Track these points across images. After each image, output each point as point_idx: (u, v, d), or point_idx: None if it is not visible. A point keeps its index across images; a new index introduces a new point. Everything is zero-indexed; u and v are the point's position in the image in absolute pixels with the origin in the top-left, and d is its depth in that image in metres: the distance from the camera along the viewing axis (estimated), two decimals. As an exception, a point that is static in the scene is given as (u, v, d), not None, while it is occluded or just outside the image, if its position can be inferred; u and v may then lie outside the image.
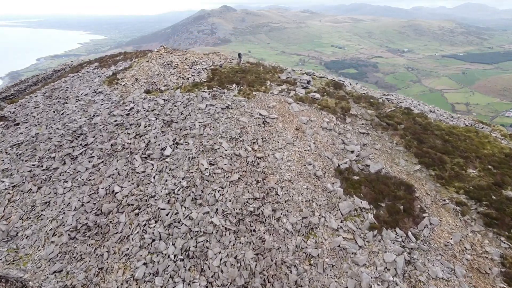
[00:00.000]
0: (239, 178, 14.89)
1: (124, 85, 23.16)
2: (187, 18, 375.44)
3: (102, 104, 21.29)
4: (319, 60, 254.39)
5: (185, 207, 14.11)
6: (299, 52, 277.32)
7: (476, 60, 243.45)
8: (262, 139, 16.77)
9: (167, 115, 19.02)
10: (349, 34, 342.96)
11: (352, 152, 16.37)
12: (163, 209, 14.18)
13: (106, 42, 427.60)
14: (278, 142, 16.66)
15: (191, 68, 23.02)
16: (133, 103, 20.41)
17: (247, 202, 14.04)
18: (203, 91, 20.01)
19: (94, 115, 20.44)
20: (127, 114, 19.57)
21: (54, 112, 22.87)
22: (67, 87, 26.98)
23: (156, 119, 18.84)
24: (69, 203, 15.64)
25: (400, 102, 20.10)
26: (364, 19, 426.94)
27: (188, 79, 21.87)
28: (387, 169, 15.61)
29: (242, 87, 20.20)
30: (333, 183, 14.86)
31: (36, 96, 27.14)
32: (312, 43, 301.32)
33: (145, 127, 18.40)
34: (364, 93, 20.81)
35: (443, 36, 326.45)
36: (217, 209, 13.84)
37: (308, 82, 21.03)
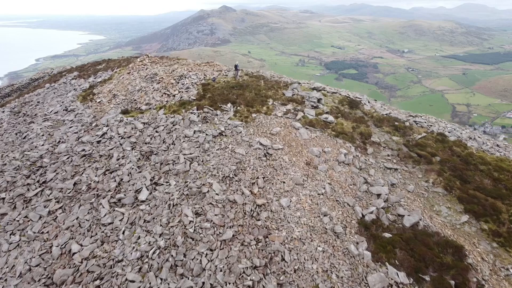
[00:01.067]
0: (233, 235, 11.33)
1: (99, 102, 19.56)
2: (186, 19, 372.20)
3: (70, 127, 17.69)
4: (319, 61, 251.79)
5: (161, 279, 10.54)
6: (299, 53, 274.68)
7: (476, 61, 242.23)
8: (263, 178, 13.21)
9: (146, 143, 15.43)
10: (349, 35, 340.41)
11: (379, 196, 12.82)
12: (132, 281, 10.59)
13: (105, 42, 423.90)
14: (284, 182, 13.09)
15: (178, 83, 19.42)
16: (107, 126, 16.81)
17: (244, 272, 10.47)
18: (191, 113, 16.43)
19: (59, 141, 16.84)
20: (98, 142, 15.97)
21: (16, 134, 19.28)
22: (38, 102, 23.39)
23: (132, 149, 15.24)
24: (13, 265, 12.06)
25: (431, 125, 16.54)
26: (364, 19, 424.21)
27: (174, 96, 18.28)
28: (425, 221, 12.06)
29: (238, 108, 16.64)
30: (357, 243, 11.30)
31: (3, 112, 23.55)
32: (312, 44, 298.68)
33: (118, 159, 14.80)
34: (386, 114, 17.24)
35: (443, 37, 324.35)
36: (203, 283, 10.27)
37: (319, 100, 17.45)
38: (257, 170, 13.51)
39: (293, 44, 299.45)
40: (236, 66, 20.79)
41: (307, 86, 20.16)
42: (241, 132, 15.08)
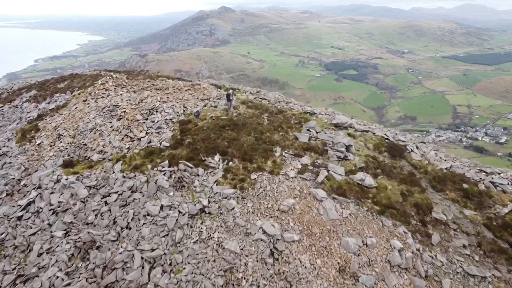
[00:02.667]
0: None
1: (39, 144, 14.11)
2: (185, 19, 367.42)
3: (-10, 186, 12.22)
4: (319, 61, 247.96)
5: None
6: (298, 53, 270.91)
7: (476, 61, 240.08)
8: (270, 302, 7.83)
9: (87, 224, 10.01)
10: (349, 35, 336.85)
11: None
12: None
13: (104, 43, 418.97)
14: (305, 311, 7.71)
15: (146, 119, 13.92)
16: (38, 189, 11.38)
17: None
18: (160, 171, 11.02)
19: (-33, 212, 11.37)
20: (19, 218, 10.54)
21: None
22: (-27, 135, 17.91)
23: (65, 234, 9.82)
24: None
25: (517, 188, 11.16)
26: (364, 19, 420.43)
27: (139, 140, 12.83)
28: None
29: (231, 163, 11.23)
30: None
31: None
32: (311, 44, 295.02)
33: (40, 255, 9.39)
34: (446, 169, 11.82)
35: (443, 37, 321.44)
36: None
37: (348, 147, 12.03)
38: (258, 286, 8.12)
39: (293, 44, 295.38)
40: (228, 95, 15.02)
41: (326, 119, 14.68)
42: (233, 208, 9.67)
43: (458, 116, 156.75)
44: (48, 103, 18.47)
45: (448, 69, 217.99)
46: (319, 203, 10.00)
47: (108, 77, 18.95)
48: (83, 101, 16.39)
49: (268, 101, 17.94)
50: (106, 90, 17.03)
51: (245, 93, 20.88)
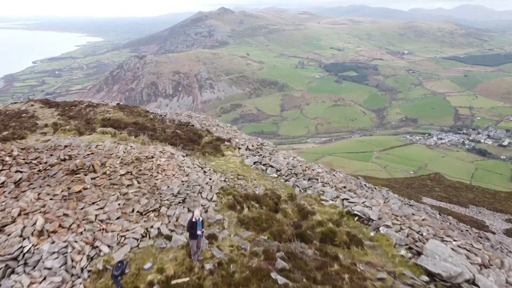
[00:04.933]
0: None
1: None
2: (184, 20, 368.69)
3: None
4: (318, 63, 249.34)
5: None
6: (298, 54, 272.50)
7: (477, 62, 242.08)
8: None
9: None
10: (348, 36, 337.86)
11: None
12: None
13: (103, 44, 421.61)
14: None
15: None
16: None
17: None
18: None
19: None
20: None
21: None
22: None
23: None
24: None
25: None
26: (363, 20, 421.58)
27: None
28: None
29: None
30: None
31: None
32: (311, 45, 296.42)
33: None
34: None
35: (443, 38, 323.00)
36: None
37: None
38: None
39: (292, 45, 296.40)
40: (193, 225, 6.96)
41: (398, 239, 7.90)
42: None
43: (460, 118, 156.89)
44: None
45: (449, 70, 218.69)
46: None
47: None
48: None
49: (278, 171, 11.66)
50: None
51: (240, 148, 14.31)
